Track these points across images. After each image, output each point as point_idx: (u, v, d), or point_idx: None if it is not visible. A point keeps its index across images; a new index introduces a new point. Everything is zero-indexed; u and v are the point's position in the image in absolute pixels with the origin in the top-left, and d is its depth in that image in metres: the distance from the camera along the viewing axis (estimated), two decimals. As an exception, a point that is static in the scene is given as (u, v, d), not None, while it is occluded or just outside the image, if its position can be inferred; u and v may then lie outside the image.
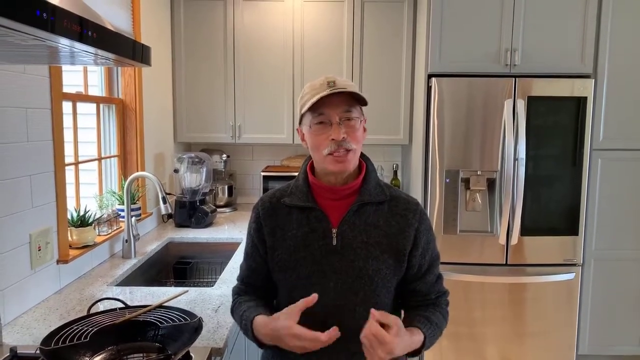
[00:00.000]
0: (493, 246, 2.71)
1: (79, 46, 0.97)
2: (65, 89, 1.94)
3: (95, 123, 2.43)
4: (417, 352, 1.16)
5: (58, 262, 1.80)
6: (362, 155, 1.25)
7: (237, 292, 1.29)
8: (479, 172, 2.67)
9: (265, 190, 3.16)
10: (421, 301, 1.23)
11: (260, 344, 1.16)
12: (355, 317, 1.13)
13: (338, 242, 1.16)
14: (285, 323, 1.05)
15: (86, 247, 1.99)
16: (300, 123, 1.21)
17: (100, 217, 2.20)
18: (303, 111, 1.16)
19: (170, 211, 2.20)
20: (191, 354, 1.28)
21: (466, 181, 2.69)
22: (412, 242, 1.18)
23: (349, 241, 1.16)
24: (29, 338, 1.43)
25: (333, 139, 1.12)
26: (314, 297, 1.06)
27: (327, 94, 1.10)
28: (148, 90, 2.71)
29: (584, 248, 2.75)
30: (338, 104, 1.13)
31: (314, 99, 1.11)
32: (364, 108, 1.20)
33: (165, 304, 1.45)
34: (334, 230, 1.17)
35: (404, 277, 1.20)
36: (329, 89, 1.11)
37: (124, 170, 2.59)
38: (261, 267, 1.25)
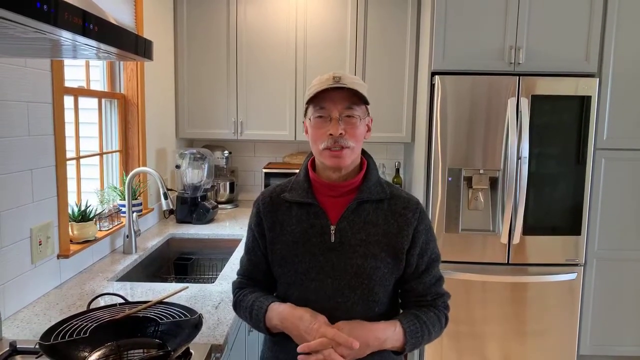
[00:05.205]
0: (495, 245, 2.70)
1: (80, 39, 0.96)
2: (67, 84, 1.93)
3: (97, 118, 2.42)
4: (402, 349, 1.14)
5: (59, 256, 1.80)
6: (364, 153, 1.25)
7: (239, 286, 1.29)
8: (481, 171, 2.66)
9: (266, 187, 3.15)
10: (417, 301, 1.21)
11: (267, 332, 1.17)
12: (352, 315, 1.13)
13: (336, 239, 1.16)
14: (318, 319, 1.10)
15: (87, 242, 1.99)
16: (305, 115, 1.21)
17: (102, 212, 2.20)
18: (305, 103, 1.17)
19: (171, 207, 2.19)
20: (191, 350, 1.28)
21: (468, 180, 2.68)
22: (410, 241, 1.17)
23: (348, 238, 1.15)
24: (29, 333, 1.42)
25: (331, 134, 1.12)
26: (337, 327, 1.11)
27: (326, 87, 1.11)
28: (150, 85, 2.70)
29: (586, 248, 2.74)
30: (340, 100, 1.12)
31: (315, 91, 1.12)
32: (369, 107, 1.20)
33: (166, 300, 1.45)
34: (333, 227, 1.16)
35: (401, 275, 1.20)
36: (333, 83, 1.11)
37: (126, 166, 2.59)
38: (262, 261, 1.25)
